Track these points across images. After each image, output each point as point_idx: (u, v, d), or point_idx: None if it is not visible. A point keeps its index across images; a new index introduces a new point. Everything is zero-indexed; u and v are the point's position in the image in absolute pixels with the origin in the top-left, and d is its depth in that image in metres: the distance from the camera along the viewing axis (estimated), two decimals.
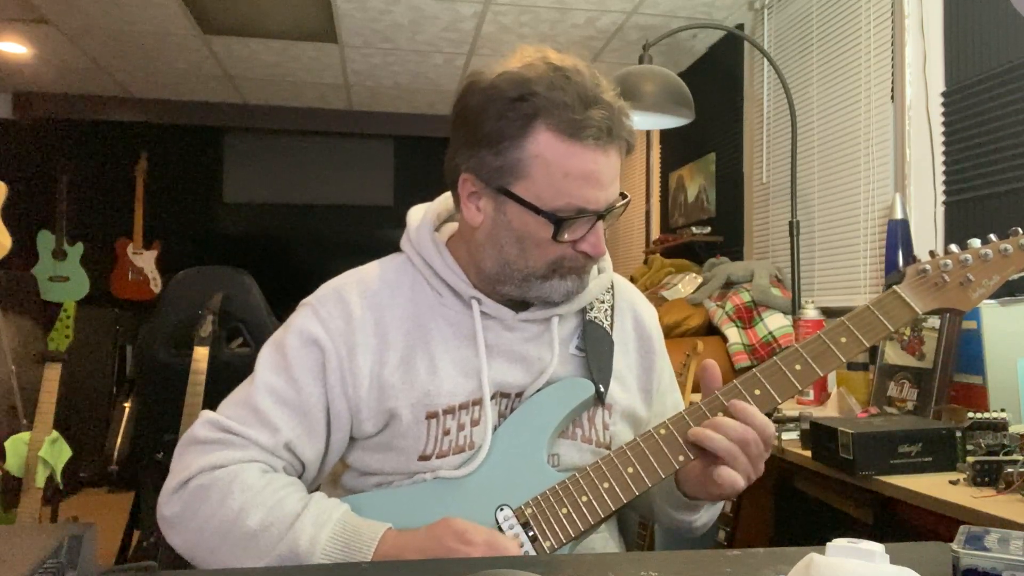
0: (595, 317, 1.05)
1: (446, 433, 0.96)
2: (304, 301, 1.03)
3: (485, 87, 0.93)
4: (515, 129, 0.90)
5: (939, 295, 0.97)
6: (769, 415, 0.94)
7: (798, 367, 0.94)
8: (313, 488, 0.98)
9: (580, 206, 0.91)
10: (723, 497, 0.98)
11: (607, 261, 1.09)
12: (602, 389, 1.00)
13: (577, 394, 0.99)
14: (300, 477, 0.97)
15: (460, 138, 0.96)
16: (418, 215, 1.07)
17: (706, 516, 1.08)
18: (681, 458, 0.92)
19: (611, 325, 1.06)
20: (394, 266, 1.05)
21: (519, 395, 0.99)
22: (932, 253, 0.99)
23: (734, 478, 0.88)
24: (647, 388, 1.10)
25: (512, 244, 0.95)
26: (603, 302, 1.08)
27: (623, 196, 0.96)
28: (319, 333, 0.97)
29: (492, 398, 0.98)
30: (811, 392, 2.13)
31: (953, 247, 0.99)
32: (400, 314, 1.00)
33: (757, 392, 0.93)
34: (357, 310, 0.99)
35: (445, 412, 0.96)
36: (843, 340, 0.94)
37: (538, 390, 0.99)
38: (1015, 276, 0.99)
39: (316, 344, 0.97)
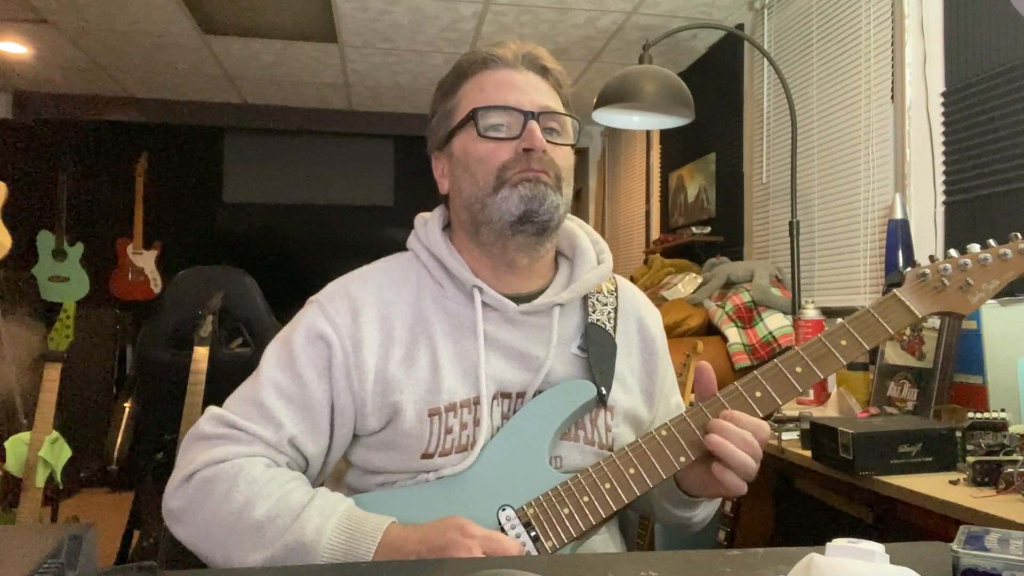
0: (598, 320, 1.06)
1: (448, 431, 0.96)
2: (311, 298, 1.05)
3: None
4: (448, 93, 1.06)
5: (939, 299, 0.97)
6: (768, 416, 0.94)
7: (799, 369, 0.94)
8: (317, 486, 0.99)
9: (501, 104, 1.00)
10: (723, 496, 0.99)
11: (607, 254, 1.10)
12: (604, 391, 1.00)
13: (579, 396, 0.99)
14: (304, 473, 0.98)
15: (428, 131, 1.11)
16: (426, 215, 1.11)
17: (704, 512, 1.08)
18: (682, 459, 0.92)
19: (614, 327, 1.07)
20: (400, 263, 1.08)
21: (520, 395, 1.00)
22: (932, 258, 1.00)
23: (739, 484, 0.91)
24: (649, 391, 1.10)
25: (464, 176, 1.02)
26: (606, 305, 1.08)
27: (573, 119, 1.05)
28: (326, 329, 0.99)
29: (494, 398, 0.98)
30: (811, 392, 2.13)
31: (952, 252, 0.99)
32: (405, 309, 1.01)
33: (758, 394, 0.93)
34: (364, 306, 1.00)
35: (447, 409, 0.97)
36: (843, 343, 0.95)
37: (539, 389, 0.99)
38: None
39: (323, 340, 0.98)
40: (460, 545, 0.83)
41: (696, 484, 0.97)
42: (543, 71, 1.05)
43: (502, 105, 0.99)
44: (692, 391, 1.00)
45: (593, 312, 1.06)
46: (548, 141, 1.00)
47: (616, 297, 1.10)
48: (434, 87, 1.09)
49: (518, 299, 1.02)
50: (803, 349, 0.95)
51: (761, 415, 0.94)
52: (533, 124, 0.98)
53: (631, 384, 1.07)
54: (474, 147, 1.00)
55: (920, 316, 0.97)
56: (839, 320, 0.97)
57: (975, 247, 0.99)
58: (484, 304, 1.01)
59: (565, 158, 1.03)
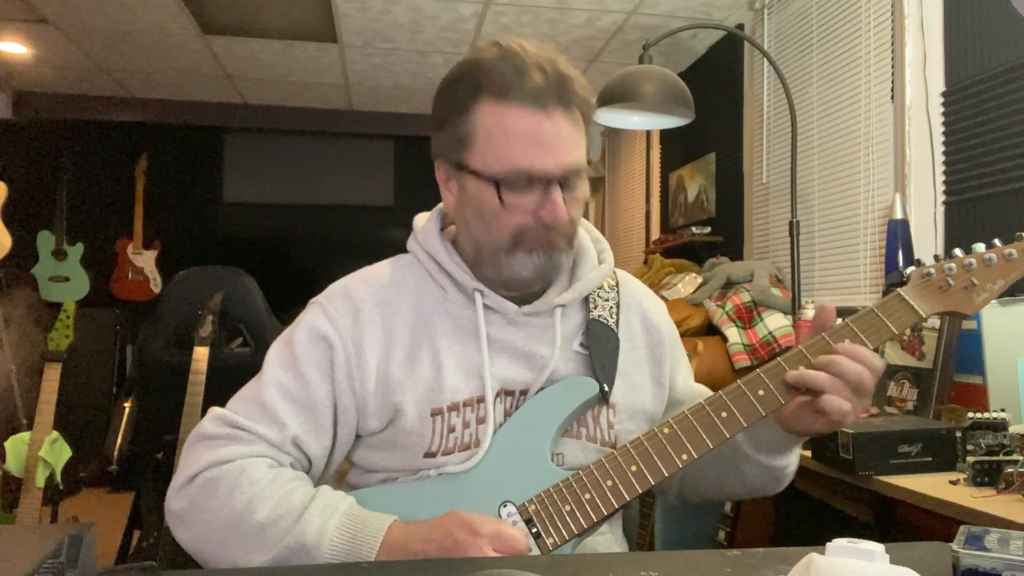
0: (599, 316, 1.06)
1: (451, 430, 0.97)
2: (313, 299, 1.05)
3: (443, 78, 1.01)
4: (461, 104, 0.96)
5: (943, 298, 0.97)
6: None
7: (802, 368, 0.94)
8: (320, 485, 0.99)
9: (524, 168, 0.93)
10: (831, 428, 0.97)
11: (608, 252, 1.10)
12: (606, 388, 1.00)
13: (581, 393, 0.99)
14: (307, 473, 0.98)
15: (432, 131, 1.02)
16: (424, 216, 1.10)
17: (795, 461, 1.08)
18: (684, 457, 0.92)
19: (616, 323, 1.06)
20: (401, 265, 1.07)
21: (523, 393, 1.00)
22: (936, 257, 0.99)
23: (839, 404, 0.90)
24: (659, 381, 1.10)
25: (475, 219, 0.98)
26: (607, 300, 1.08)
27: (591, 165, 0.97)
28: (327, 330, 0.99)
29: (496, 396, 0.98)
30: None
31: (957, 251, 0.99)
32: (406, 311, 1.01)
33: (761, 392, 0.94)
34: (365, 307, 1.01)
35: (450, 409, 0.97)
36: (847, 342, 0.94)
37: (541, 387, 0.99)
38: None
39: (324, 340, 0.98)
40: (470, 545, 0.83)
41: (798, 422, 0.96)
42: (569, 103, 0.95)
43: (526, 174, 0.93)
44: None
45: (594, 308, 1.06)
46: (567, 196, 0.96)
47: (617, 292, 1.10)
48: (433, 87, 1.06)
49: (519, 300, 1.02)
50: (806, 348, 0.95)
51: (764, 414, 0.94)
52: (557, 196, 0.93)
53: (637, 379, 1.07)
54: (491, 202, 0.95)
55: (924, 316, 0.97)
56: (840, 319, 0.97)
57: (980, 247, 0.98)
58: (486, 306, 1.01)
59: (580, 206, 1.01)
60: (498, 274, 1.00)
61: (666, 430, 0.93)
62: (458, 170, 0.99)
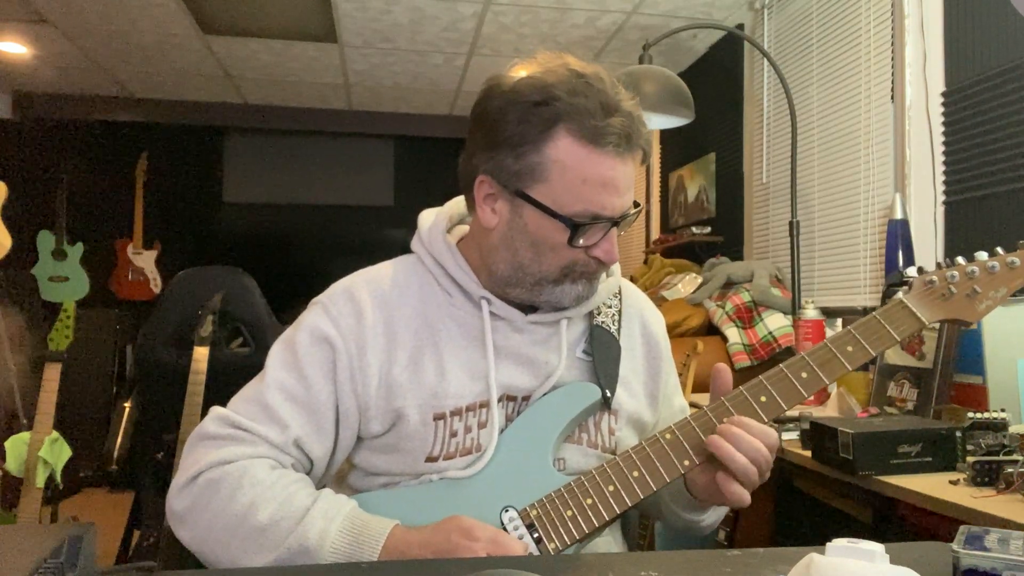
0: (602, 322, 1.06)
1: (453, 435, 0.96)
2: (315, 300, 1.04)
3: (506, 91, 0.94)
4: (535, 133, 0.91)
5: (945, 306, 0.97)
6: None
7: (804, 375, 0.94)
8: (320, 487, 0.99)
9: (596, 212, 0.92)
10: (727, 505, 0.98)
11: (615, 265, 1.10)
12: (608, 394, 1.00)
13: (583, 398, 0.99)
14: (308, 474, 0.98)
15: (478, 140, 0.96)
16: (430, 217, 1.08)
17: (714, 516, 1.08)
18: (686, 463, 0.92)
19: (619, 330, 1.07)
20: (404, 266, 1.06)
21: (526, 398, 1.00)
22: (939, 264, 0.99)
23: (742, 494, 0.89)
24: (653, 394, 1.10)
25: (527, 247, 0.96)
26: (610, 307, 1.08)
27: (636, 204, 0.98)
28: (329, 331, 0.98)
29: (499, 401, 0.98)
30: None
31: (960, 259, 0.99)
32: (409, 313, 1.01)
33: (763, 399, 0.93)
34: (367, 309, 1.00)
35: (452, 414, 0.97)
36: (849, 349, 0.94)
37: (544, 394, 0.99)
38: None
39: (326, 341, 0.98)
40: (465, 548, 0.83)
41: (704, 490, 0.96)
42: (639, 147, 0.96)
43: (595, 217, 0.93)
44: (693, 392, 1.00)
45: (597, 315, 1.06)
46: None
47: (620, 299, 1.10)
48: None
49: (525, 308, 1.02)
50: (809, 355, 0.95)
51: (766, 420, 0.93)
52: (614, 235, 0.95)
53: (636, 387, 1.07)
54: (553, 237, 0.94)
55: (927, 323, 0.97)
56: (840, 324, 0.97)
57: (983, 255, 0.98)
58: (492, 314, 1.00)
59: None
60: (532, 298, 0.99)
61: (668, 436, 0.93)
62: (517, 196, 0.94)
